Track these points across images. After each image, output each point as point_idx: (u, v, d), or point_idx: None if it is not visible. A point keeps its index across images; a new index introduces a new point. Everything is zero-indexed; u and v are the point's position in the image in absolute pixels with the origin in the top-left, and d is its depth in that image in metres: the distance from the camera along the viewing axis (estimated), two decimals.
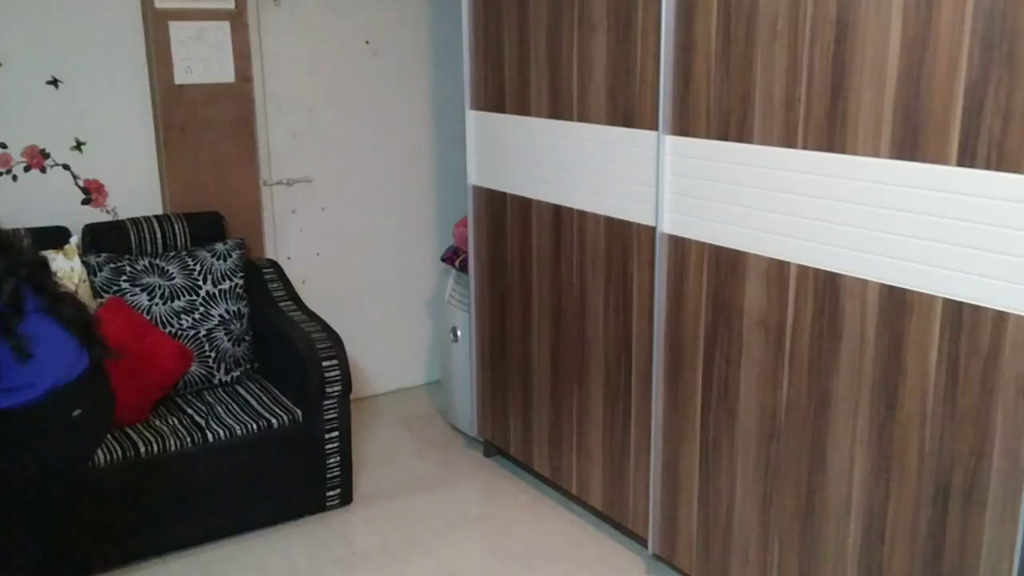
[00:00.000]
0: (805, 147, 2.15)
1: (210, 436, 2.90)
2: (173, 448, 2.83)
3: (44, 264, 2.16)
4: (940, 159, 1.88)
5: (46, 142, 3.26)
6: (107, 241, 3.21)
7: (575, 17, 2.79)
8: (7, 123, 3.20)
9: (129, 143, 3.41)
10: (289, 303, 3.38)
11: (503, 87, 3.16)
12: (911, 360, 2.00)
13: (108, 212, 3.40)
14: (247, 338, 3.31)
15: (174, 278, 3.18)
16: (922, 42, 1.88)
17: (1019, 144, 1.74)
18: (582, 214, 2.90)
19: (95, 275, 3.08)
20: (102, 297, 3.06)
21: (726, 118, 2.34)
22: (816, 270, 2.18)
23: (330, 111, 3.87)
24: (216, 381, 3.24)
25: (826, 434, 2.23)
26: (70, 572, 2.73)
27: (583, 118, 2.83)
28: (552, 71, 2.92)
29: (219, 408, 3.06)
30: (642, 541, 2.90)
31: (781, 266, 2.27)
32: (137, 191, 3.45)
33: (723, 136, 2.36)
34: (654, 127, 2.56)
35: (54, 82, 3.24)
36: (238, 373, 3.28)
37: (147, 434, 2.85)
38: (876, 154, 2.00)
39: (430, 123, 4.14)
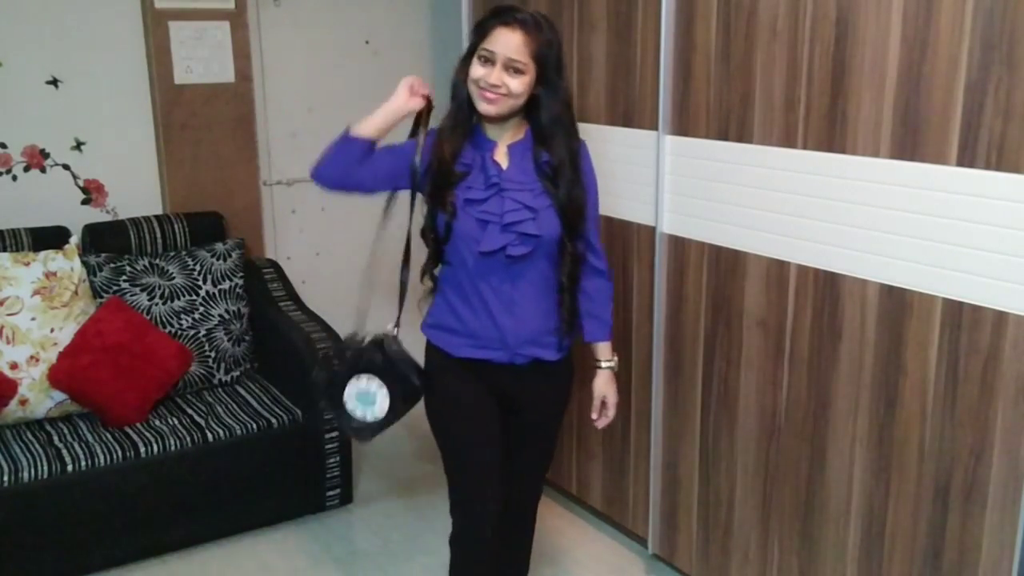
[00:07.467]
0: (805, 147, 2.15)
1: (210, 436, 2.90)
2: (173, 448, 2.82)
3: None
4: (940, 159, 1.88)
5: (46, 142, 3.26)
6: (107, 241, 3.20)
7: (575, 17, 2.79)
8: (7, 123, 3.19)
9: (129, 143, 3.41)
10: (289, 303, 3.38)
11: None
12: (911, 360, 2.00)
13: (108, 212, 3.40)
14: (247, 338, 3.31)
15: (174, 278, 3.18)
16: (922, 42, 1.87)
17: (1019, 144, 1.74)
18: None
19: (95, 275, 3.08)
20: (102, 297, 3.06)
21: (726, 118, 2.34)
22: (816, 270, 2.18)
23: (330, 111, 3.87)
24: (216, 381, 3.24)
25: (826, 434, 2.23)
26: (70, 572, 2.74)
27: (583, 118, 2.82)
28: None
29: (219, 408, 3.06)
30: (642, 541, 2.90)
31: (781, 266, 2.27)
32: (137, 191, 3.45)
33: (723, 136, 2.36)
34: (654, 127, 2.56)
35: (54, 82, 3.24)
36: (238, 373, 3.28)
37: (147, 434, 2.85)
38: (876, 154, 2.00)
39: (430, 123, 4.13)
